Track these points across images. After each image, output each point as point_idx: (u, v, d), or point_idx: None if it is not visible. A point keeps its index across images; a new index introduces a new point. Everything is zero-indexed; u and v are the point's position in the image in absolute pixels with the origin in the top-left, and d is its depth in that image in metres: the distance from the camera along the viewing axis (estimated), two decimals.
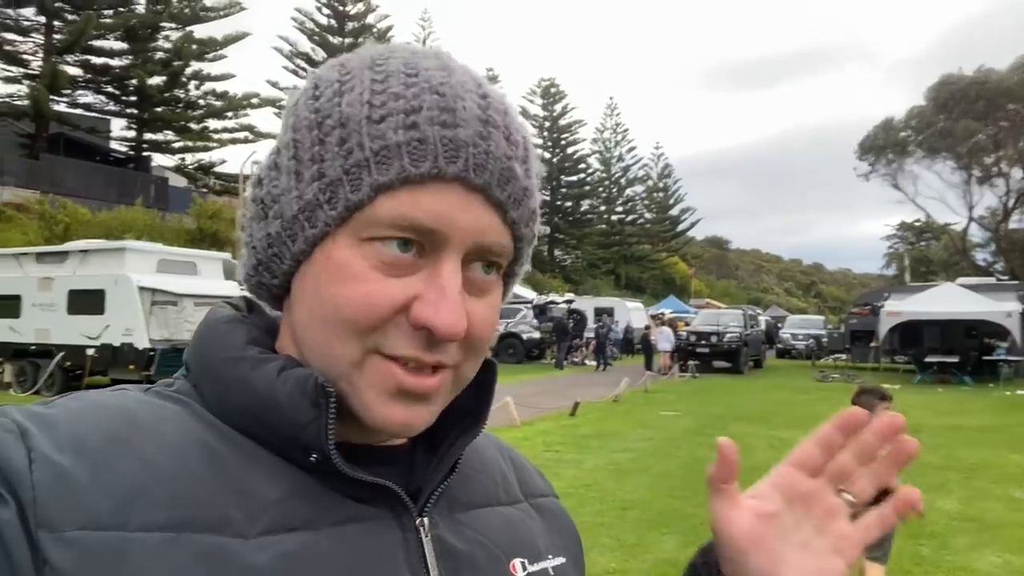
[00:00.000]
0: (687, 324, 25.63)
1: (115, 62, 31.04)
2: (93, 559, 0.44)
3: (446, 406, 0.57)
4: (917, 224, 50.67)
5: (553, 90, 54.24)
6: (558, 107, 53.94)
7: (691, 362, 21.54)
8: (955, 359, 20.06)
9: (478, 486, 0.64)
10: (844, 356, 24.43)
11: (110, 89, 31.47)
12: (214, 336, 0.57)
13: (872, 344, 20.53)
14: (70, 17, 28.87)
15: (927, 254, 53.27)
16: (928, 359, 20.40)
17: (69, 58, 29.56)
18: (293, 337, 0.56)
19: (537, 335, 24.35)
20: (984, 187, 38.50)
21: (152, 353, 12.18)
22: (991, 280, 27.93)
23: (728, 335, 22.48)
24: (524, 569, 0.61)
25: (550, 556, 0.64)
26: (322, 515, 0.52)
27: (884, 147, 38.15)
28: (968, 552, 5.53)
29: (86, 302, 12.89)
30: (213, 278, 14.18)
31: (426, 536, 0.56)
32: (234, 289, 14.03)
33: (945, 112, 35.24)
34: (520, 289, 32.31)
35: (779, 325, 33.98)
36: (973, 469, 8.47)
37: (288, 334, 0.58)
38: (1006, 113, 33.68)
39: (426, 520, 0.57)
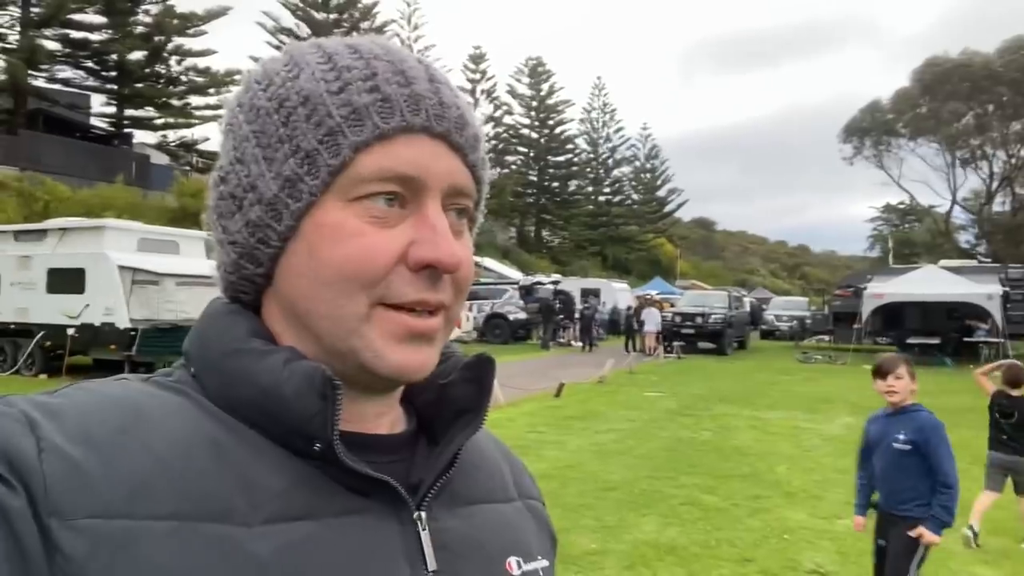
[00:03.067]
0: (672, 305, 25.74)
1: (95, 36, 30.40)
2: (103, 546, 0.45)
3: (447, 398, 0.62)
4: (901, 206, 51.08)
5: (540, 69, 53.81)
6: (545, 87, 53.54)
7: (676, 343, 21.64)
8: (936, 341, 20.31)
9: (478, 482, 0.66)
10: (827, 337, 24.63)
11: (90, 64, 30.83)
12: (217, 328, 0.58)
13: (855, 325, 20.70)
14: None
15: (911, 236, 53.71)
16: (909, 340, 20.64)
17: (47, 32, 28.89)
18: (288, 318, 0.58)
19: (523, 316, 24.37)
20: (968, 170, 38.79)
21: (133, 333, 12.06)
22: (973, 263, 28.21)
23: (713, 316, 22.61)
24: (519, 567, 0.63)
25: (539, 557, 0.66)
26: (323, 506, 0.53)
27: (870, 129, 38.27)
28: (945, 533, 5.59)
29: (66, 281, 12.73)
30: (195, 257, 13.98)
31: (424, 529, 0.57)
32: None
33: (930, 94, 35.35)
34: (507, 269, 32.32)
35: (764, 307, 34.19)
36: (953, 449, 8.57)
37: (280, 319, 0.58)
38: (991, 96, 33.79)
39: (423, 514, 0.58)
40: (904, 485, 3.55)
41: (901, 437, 3.56)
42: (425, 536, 0.57)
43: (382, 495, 0.56)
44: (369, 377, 0.56)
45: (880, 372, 3.66)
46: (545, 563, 0.66)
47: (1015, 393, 5.45)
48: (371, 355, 0.55)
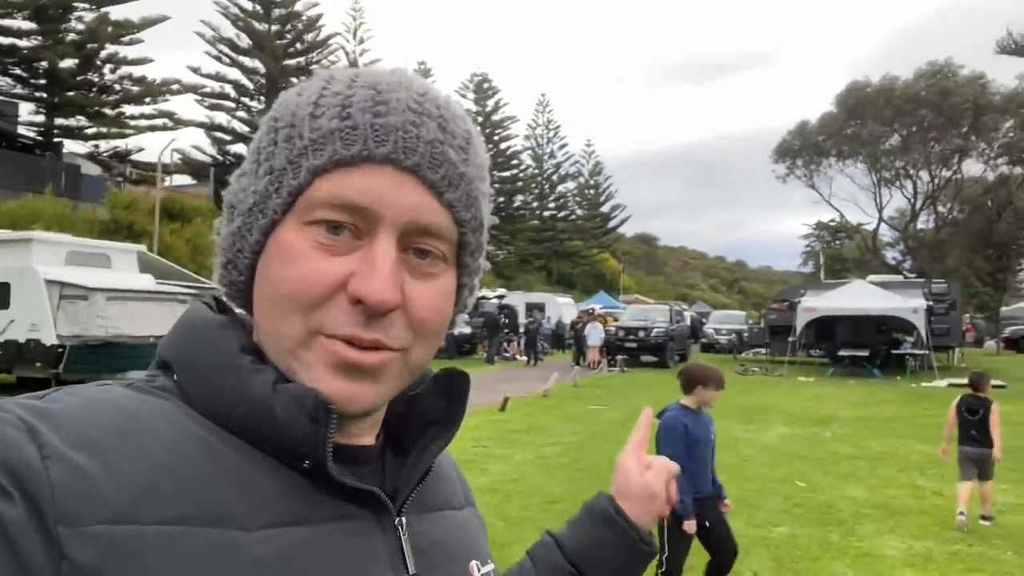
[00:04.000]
0: (616, 319, 26.07)
1: (23, 43, 29.31)
2: (114, 552, 0.45)
3: (416, 410, 0.64)
4: (832, 224, 52.92)
5: (486, 85, 54.16)
6: (491, 102, 53.92)
7: (619, 356, 21.91)
8: (865, 353, 21.07)
9: (439, 490, 0.69)
10: (764, 350, 25.31)
11: (18, 71, 29.68)
12: (206, 342, 0.58)
13: (790, 338, 21.34)
14: None
15: (841, 252, 55.79)
16: (840, 352, 21.38)
17: None
18: (259, 332, 0.59)
19: (468, 330, 24.30)
20: (893, 189, 40.53)
21: (61, 350, 11.56)
22: (899, 278, 29.46)
23: (655, 330, 22.98)
24: (479, 570, 0.67)
25: (489, 561, 0.69)
26: (314, 512, 0.54)
27: (800, 150, 39.66)
28: (873, 538, 5.82)
29: None
30: (127, 271, 13.55)
31: (404, 535, 0.60)
32: (149, 283, 13.49)
33: (854, 117, 36.85)
34: None
35: (704, 320, 34.97)
36: (880, 458, 8.92)
37: (260, 333, 0.59)
38: (913, 118, 35.45)
39: (404, 520, 0.60)
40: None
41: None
42: (405, 541, 0.60)
43: (366, 503, 0.58)
44: None
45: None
46: (493, 567, 0.70)
47: (980, 394, 6.20)
48: (306, 379, 0.55)
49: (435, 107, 0.57)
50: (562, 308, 31.22)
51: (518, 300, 29.59)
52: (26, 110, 30.99)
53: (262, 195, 0.56)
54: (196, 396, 0.56)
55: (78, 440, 0.48)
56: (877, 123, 35.74)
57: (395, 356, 0.56)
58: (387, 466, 0.63)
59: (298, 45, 38.16)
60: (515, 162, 55.65)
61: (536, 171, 57.37)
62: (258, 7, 36.50)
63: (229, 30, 36.35)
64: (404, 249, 0.56)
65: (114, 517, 0.46)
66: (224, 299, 0.64)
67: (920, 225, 41.42)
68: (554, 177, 58.24)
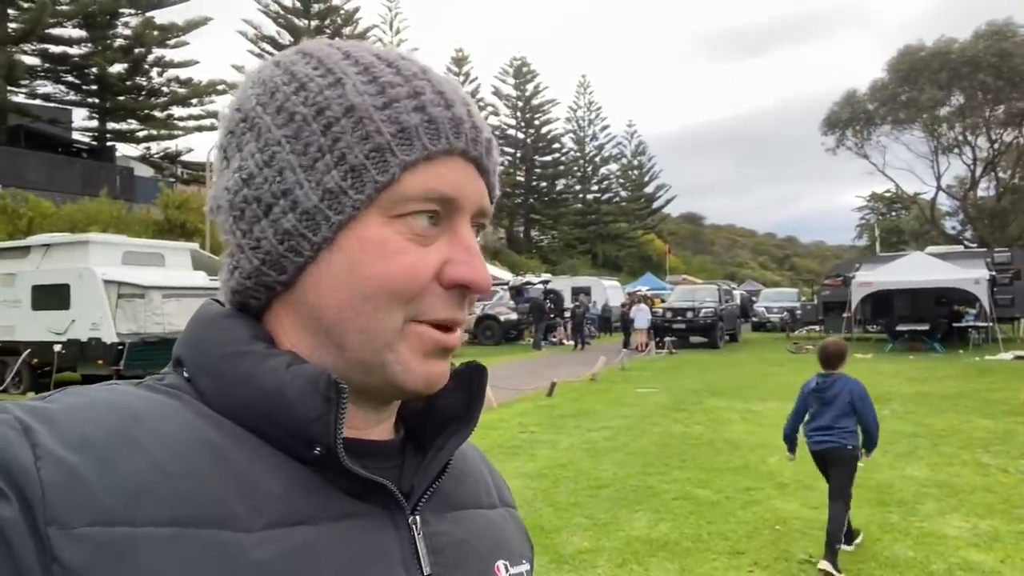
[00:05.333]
0: (663, 301, 25.77)
1: (74, 50, 30.25)
2: (103, 554, 0.45)
3: (436, 406, 0.63)
4: (887, 195, 51.31)
5: (525, 69, 53.85)
6: (530, 87, 53.62)
7: (667, 338, 21.67)
8: (925, 327, 20.39)
9: (466, 488, 0.67)
10: (817, 327, 24.72)
11: (70, 78, 30.69)
12: (216, 331, 0.58)
13: (845, 314, 20.78)
14: (25, 5, 28.01)
15: (898, 224, 54.00)
16: (899, 328, 20.72)
17: (26, 47, 28.74)
18: (308, 327, 0.57)
19: (515, 316, 24.34)
20: (951, 156, 39.02)
21: (121, 347, 11.97)
22: (959, 248, 28.36)
23: (703, 310, 22.64)
24: (507, 571, 0.65)
25: (523, 561, 0.68)
26: (321, 510, 0.54)
27: (850, 120, 38.43)
28: (936, 518, 5.62)
29: (51, 297, 12.61)
30: (181, 269, 13.92)
31: (418, 534, 0.59)
32: (203, 279, 13.83)
33: (908, 83, 35.52)
34: (497, 270, 32.28)
35: (754, 299, 34.30)
36: (942, 435, 8.61)
37: (295, 327, 0.58)
38: (971, 81, 34.01)
39: (418, 518, 0.59)
40: None
41: None
42: (420, 540, 0.58)
43: (378, 500, 0.57)
44: (392, 390, 0.57)
45: None
46: (527, 567, 0.68)
47: None
48: (400, 369, 0.56)
49: (467, 95, 0.60)
50: (608, 291, 30.98)
51: (564, 285, 29.47)
52: (79, 116, 32.11)
53: (331, 191, 0.54)
54: (206, 388, 0.55)
55: (73, 440, 0.47)
56: (933, 87, 34.39)
57: (459, 330, 0.59)
58: (406, 463, 0.62)
59: (338, 39, 38.52)
60: (556, 146, 55.37)
61: (578, 154, 56.96)
62: (298, 3, 37.00)
63: (271, 28, 36.98)
64: None
65: (106, 519, 0.46)
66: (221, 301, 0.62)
67: (980, 193, 39.89)
68: (596, 159, 57.77)
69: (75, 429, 0.48)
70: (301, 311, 0.57)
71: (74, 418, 0.49)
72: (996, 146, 36.95)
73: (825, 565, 4.38)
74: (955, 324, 21.05)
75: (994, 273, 20.12)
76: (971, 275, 19.17)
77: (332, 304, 0.55)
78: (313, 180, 0.55)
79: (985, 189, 39.51)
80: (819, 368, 5.04)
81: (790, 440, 5.11)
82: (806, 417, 4.94)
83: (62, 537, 0.44)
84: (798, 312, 28.08)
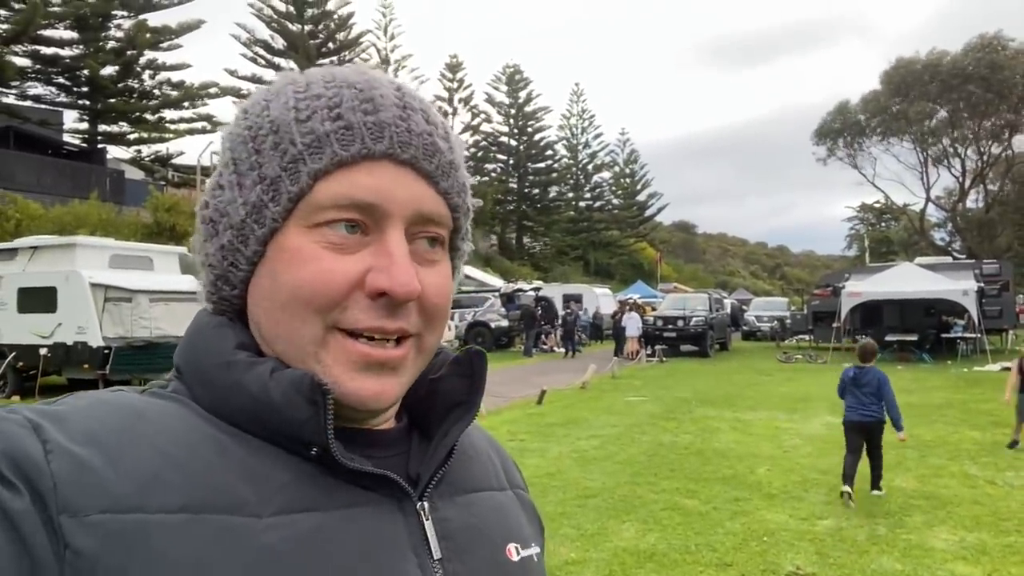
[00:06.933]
0: (654, 309, 25.78)
1: (65, 52, 30.08)
2: (116, 540, 0.46)
3: (438, 393, 0.64)
4: (877, 205, 51.65)
5: (518, 77, 53.88)
6: (523, 94, 53.63)
7: (658, 347, 21.67)
8: (914, 338, 20.48)
9: (474, 471, 0.68)
10: (807, 337, 24.78)
11: (61, 80, 30.50)
12: (203, 341, 0.59)
13: (834, 324, 20.84)
14: (17, 6, 27.85)
15: (887, 235, 54.34)
16: (888, 338, 20.77)
17: (17, 48, 28.54)
18: (260, 338, 0.59)
19: (505, 323, 24.30)
20: (940, 168, 39.30)
21: (107, 351, 11.84)
22: (948, 259, 28.52)
23: (694, 319, 22.67)
24: (518, 553, 0.65)
25: (533, 544, 0.68)
26: (329, 499, 0.55)
27: (841, 130, 38.67)
28: (923, 530, 5.61)
29: (37, 300, 12.48)
30: (169, 273, 13.81)
31: (427, 519, 0.59)
32: (192, 283, 13.72)
33: (900, 95, 35.79)
34: (488, 277, 32.26)
35: (744, 308, 34.39)
36: (930, 446, 8.62)
37: (257, 338, 0.59)
38: (960, 93, 34.29)
39: (426, 504, 0.60)
40: None
41: None
42: (429, 526, 0.59)
43: (385, 488, 0.57)
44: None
45: None
46: (537, 549, 0.68)
47: None
48: (329, 380, 0.55)
49: (415, 100, 0.59)
50: (599, 299, 30.99)
51: (555, 292, 29.45)
52: (70, 118, 31.93)
53: (255, 205, 0.56)
54: (201, 395, 0.57)
55: (82, 435, 0.49)
56: (923, 100, 34.66)
57: (411, 343, 0.58)
58: (412, 450, 0.63)
59: (331, 44, 38.49)
60: (549, 153, 55.36)
61: (571, 161, 57.00)
62: (291, 8, 36.91)
63: (264, 32, 36.88)
64: (410, 240, 0.57)
65: (116, 506, 0.47)
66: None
67: (969, 204, 40.17)
68: (589, 167, 57.82)
69: (83, 426, 0.50)
70: (254, 325, 0.59)
71: (81, 416, 0.51)
72: (985, 158, 37.23)
73: (877, 493, 6.46)
74: (943, 335, 21.14)
75: (982, 284, 20.22)
76: (959, 286, 19.26)
77: (264, 316, 0.58)
78: (243, 197, 0.57)
79: (974, 201, 39.87)
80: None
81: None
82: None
83: (74, 524, 0.46)
84: (788, 322, 28.15)
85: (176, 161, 34.09)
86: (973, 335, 20.01)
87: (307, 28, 37.38)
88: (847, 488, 6.18)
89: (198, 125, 32.97)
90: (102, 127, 31.94)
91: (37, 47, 29.34)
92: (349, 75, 0.59)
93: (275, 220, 0.56)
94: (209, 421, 0.55)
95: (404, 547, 0.57)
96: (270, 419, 0.54)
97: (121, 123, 32.15)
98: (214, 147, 29.26)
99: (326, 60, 37.70)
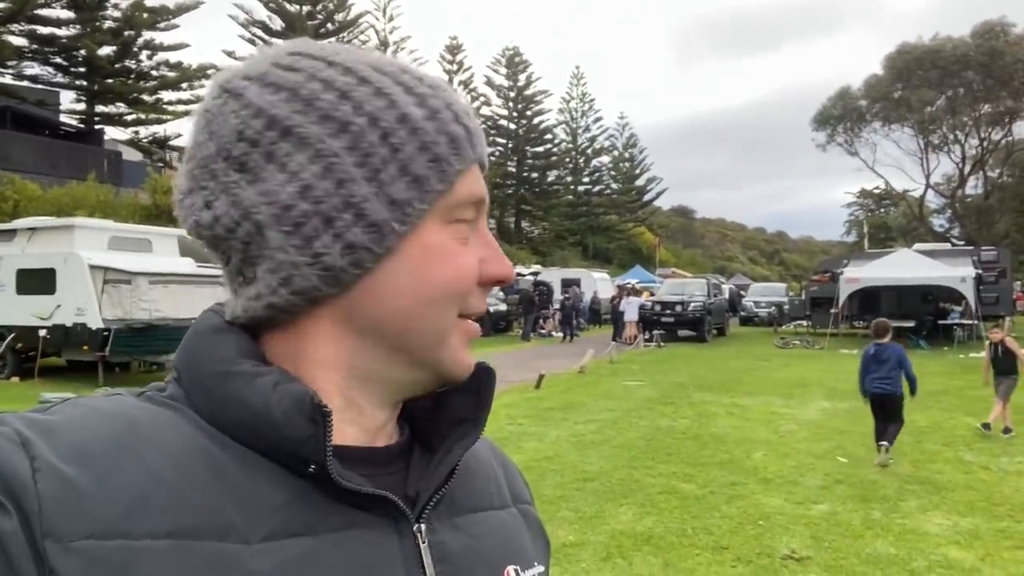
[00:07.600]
0: (652, 294, 25.82)
1: (62, 32, 29.77)
2: (100, 567, 0.45)
3: (444, 407, 0.64)
4: (876, 191, 51.58)
5: (517, 60, 53.53)
6: (523, 77, 53.30)
7: (656, 331, 21.73)
8: (911, 324, 20.53)
9: (474, 489, 0.67)
10: (805, 323, 24.85)
11: (58, 60, 30.17)
12: (203, 347, 0.57)
13: (832, 310, 20.89)
14: None
15: (886, 221, 54.32)
16: None
17: (13, 28, 28.28)
18: (356, 335, 0.57)
19: (504, 307, 24.33)
20: (940, 154, 39.22)
21: (106, 333, 11.86)
22: (947, 246, 28.55)
23: (692, 304, 22.70)
24: (517, 575, 0.64)
25: (536, 564, 0.67)
26: (321, 521, 0.53)
27: (841, 116, 38.53)
28: (917, 515, 5.68)
29: (36, 281, 12.47)
30: (168, 255, 13.79)
31: (423, 542, 0.58)
32: (190, 266, 13.73)
33: (902, 81, 35.64)
34: None
35: (742, 293, 34.44)
36: (925, 432, 8.69)
37: (337, 337, 0.57)
38: (960, 80, 34.16)
39: (423, 526, 0.58)
40: None
41: None
42: (425, 549, 0.58)
43: (381, 508, 0.56)
44: (436, 382, 0.61)
45: None
46: (541, 568, 0.67)
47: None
48: (451, 362, 0.59)
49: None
50: (598, 283, 31.01)
51: (554, 276, 29.46)
52: (67, 98, 31.65)
53: (398, 202, 0.55)
54: (199, 403, 0.55)
55: (71, 452, 0.48)
56: (924, 86, 34.52)
57: None
58: (412, 467, 0.62)
59: (329, 25, 38.15)
60: (548, 137, 55.10)
61: (570, 145, 56.77)
62: None
63: (261, 12, 36.56)
64: None
65: (102, 531, 0.46)
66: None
67: (968, 191, 40.14)
68: (588, 151, 57.58)
69: (73, 440, 0.49)
70: (357, 322, 0.57)
71: (72, 428, 0.50)
72: (984, 144, 37.15)
73: (884, 444, 7.09)
74: (940, 321, 21.21)
75: (980, 271, 20.25)
76: (957, 273, 19.30)
77: (394, 311, 0.57)
78: (381, 190, 0.55)
79: (973, 187, 39.82)
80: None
81: (863, 389, 7.42)
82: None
83: (58, 550, 0.45)
84: (786, 307, 28.21)
85: (175, 143, 33.90)
86: (970, 322, 20.08)
87: (305, 9, 37.04)
88: (884, 443, 7.08)
89: (196, 107, 32.53)
90: (99, 108, 31.70)
91: (34, 27, 29.04)
92: (428, 75, 0.61)
93: (419, 217, 0.56)
94: (204, 432, 0.53)
95: (398, 570, 0.55)
96: (269, 435, 0.53)
97: (119, 104, 31.88)
98: None
99: (324, 41, 37.42)
